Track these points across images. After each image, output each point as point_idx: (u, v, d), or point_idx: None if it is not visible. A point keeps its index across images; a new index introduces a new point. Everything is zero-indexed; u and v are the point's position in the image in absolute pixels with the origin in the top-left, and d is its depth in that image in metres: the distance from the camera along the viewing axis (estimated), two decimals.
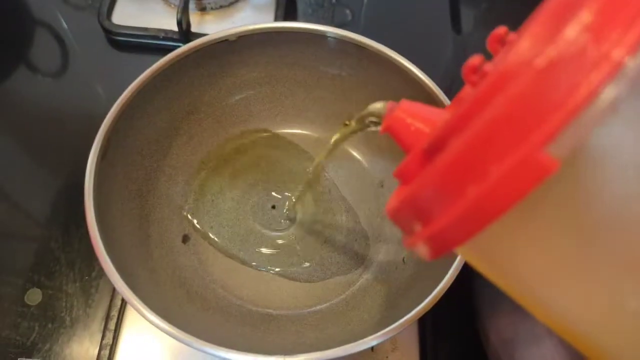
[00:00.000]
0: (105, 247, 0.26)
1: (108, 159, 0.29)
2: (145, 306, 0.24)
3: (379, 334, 0.24)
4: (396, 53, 0.32)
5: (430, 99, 0.31)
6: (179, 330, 0.24)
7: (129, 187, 0.32)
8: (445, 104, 0.31)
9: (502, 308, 0.30)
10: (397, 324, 0.24)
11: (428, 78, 0.31)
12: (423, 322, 0.35)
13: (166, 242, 0.33)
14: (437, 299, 0.25)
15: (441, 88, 0.32)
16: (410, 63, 0.32)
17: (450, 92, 0.46)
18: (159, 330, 0.33)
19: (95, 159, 0.28)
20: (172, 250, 0.33)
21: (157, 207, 0.34)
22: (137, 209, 0.32)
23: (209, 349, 0.23)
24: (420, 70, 0.32)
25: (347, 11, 0.51)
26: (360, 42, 0.32)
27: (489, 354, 0.32)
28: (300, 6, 0.50)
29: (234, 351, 0.23)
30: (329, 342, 0.24)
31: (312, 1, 0.51)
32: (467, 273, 0.33)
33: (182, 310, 0.29)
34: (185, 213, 0.35)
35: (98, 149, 0.28)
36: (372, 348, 0.34)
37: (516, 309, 0.29)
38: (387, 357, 0.34)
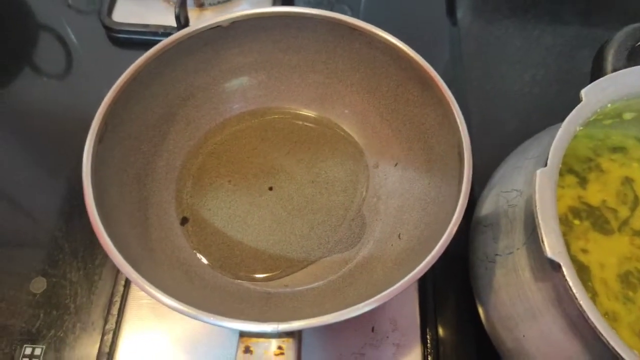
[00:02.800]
0: (104, 227, 0.26)
1: (105, 142, 0.30)
2: (145, 280, 0.25)
3: (370, 300, 0.24)
4: (384, 31, 0.33)
5: (422, 78, 0.32)
6: (178, 302, 0.24)
7: (127, 171, 0.32)
8: (439, 82, 0.31)
9: (499, 286, 0.31)
10: (386, 292, 0.24)
11: (418, 55, 0.32)
12: (424, 301, 0.36)
13: (165, 224, 0.34)
14: (428, 268, 0.25)
15: None
16: (399, 41, 0.32)
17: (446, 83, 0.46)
18: (160, 314, 0.34)
19: (92, 142, 0.29)
20: (171, 232, 0.34)
21: (156, 191, 0.34)
22: (136, 192, 0.33)
23: (206, 318, 0.24)
24: (409, 48, 0.32)
25: (346, 7, 0.51)
26: (350, 24, 0.33)
27: (488, 330, 0.32)
28: (299, 3, 0.51)
29: (230, 319, 0.23)
30: (324, 315, 0.25)
31: (312, 0, 0.52)
32: (464, 251, 0.34)
33: (181, 289, 0.30)
34: (183, 196, 0.36)
35: (95, 132, 0.29)
36: (372, 328, 0.35)
37: (513, 287, 0.30)
38: (387, 337, 0.35)
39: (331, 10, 0.51)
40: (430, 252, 0.26)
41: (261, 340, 0.25)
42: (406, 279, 0.25)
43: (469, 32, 0.51)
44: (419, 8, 0.52)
